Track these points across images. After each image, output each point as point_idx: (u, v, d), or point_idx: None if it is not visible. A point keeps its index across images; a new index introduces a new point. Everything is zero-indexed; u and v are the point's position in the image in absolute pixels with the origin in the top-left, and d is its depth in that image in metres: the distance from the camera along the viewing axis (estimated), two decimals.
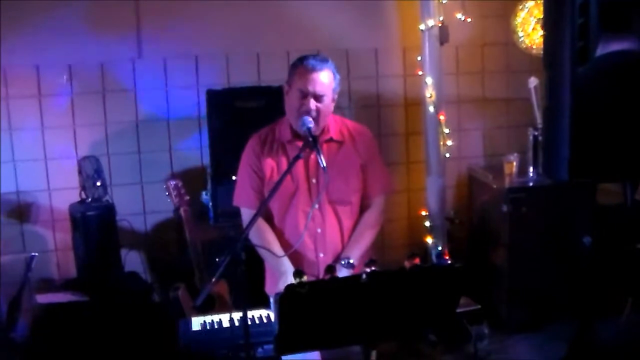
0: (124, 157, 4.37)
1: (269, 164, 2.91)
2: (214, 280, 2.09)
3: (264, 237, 2.88)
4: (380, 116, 4.66)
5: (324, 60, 2.87)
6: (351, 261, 2.80)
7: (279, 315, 1.98)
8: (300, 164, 2.80)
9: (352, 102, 4.58)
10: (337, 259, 2.87)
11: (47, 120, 4.26)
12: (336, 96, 2.95)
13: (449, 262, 2.19)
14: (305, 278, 1.93)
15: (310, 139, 2.69)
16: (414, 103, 4.61)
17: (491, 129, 4.82)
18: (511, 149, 4.47)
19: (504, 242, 4.17)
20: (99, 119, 4.32)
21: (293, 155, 2.80)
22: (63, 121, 4.28)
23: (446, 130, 4.40)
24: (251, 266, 2.99)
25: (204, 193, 4.13)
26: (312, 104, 2.79)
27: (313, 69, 2.81)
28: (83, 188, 4.04)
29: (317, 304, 1.99)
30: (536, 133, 4.11)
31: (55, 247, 4.37)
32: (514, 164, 4.27)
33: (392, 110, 4.68)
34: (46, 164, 4.29)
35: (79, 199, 4.06)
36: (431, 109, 4.37)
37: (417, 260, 2.01)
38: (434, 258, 1.95)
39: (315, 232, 2.88)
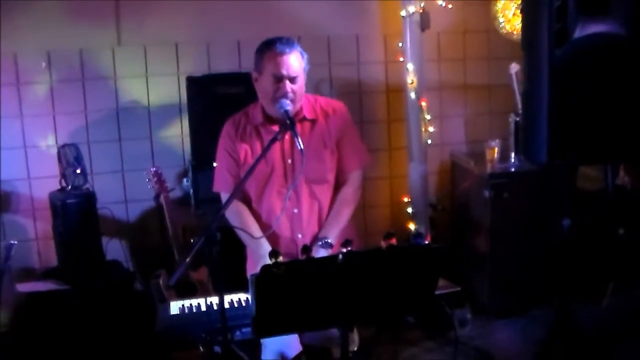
0: (104, 145, 4.34)
1: (244, 147, 2.92)
2: (188, 260, 2.08)
3: (242, 220, 2.88)
4: (362, 103, 4.65)
5: (291, 43, 2.89)
6: (329, 241, 2.81)
7: (255, 296, 1.97)
8: (275, 145, 2.79)
9: (333, 88, 4.57)
10: (315, 239, 2.86)
11: (26, 108, 4.23)
12: (305, 74, 2.95)
13: (426, 242, 2.17)
14: (281, 258, 1.93)
15: (288, 121, 2.68)
16: (396, 89, 4.60)
17: (473, 115, 4.83)
18: (493, 135, 4.47)
19: (486, 227, 4.18)
20: (79, 107, 4.29)
21: (266, 138, 2.80)
22: (42, 109, 4.25)
23: (428, 117, 4.40)
24: (231, 250, 2.98)
25: (185, 180, 4.11)
26: (288, 86, 2.80)
27: (282, 52, 2.82)
28: (63, 176, 4.01)
29: (293, 285, 1.98)
30: (517, 119, 4.12)
31: (35, 235, 4.34)
32: (496, 149, 4.27)
33: (373, 96, 4.67)
34: (26, 152, 4.26)
35: (59, 187, 4.02)
36: (412, 95, 4.37)
37: (393, 240, 2.01)
38: (411, 238, 1.95)
39: (292, 213, 2.88)
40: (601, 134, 2.97)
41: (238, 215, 2.89)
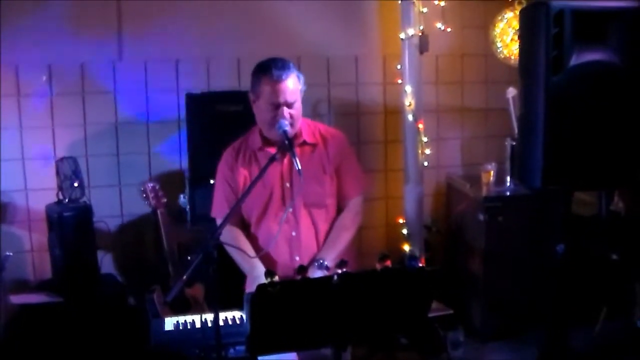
0: (102, 159, 4.35)
1: (242, 173, 2.94)
2: (185, 277, 2.09)
3: (237, 242, 2.88)
4: (360, 124, 4.68)
5: (287, 67, 2.87)
6: (326, 263, 2.81)
7: (250, 315, 1.99)
8: (274, 169, 2.81)
9: (331, 109, 4.60)
10: (312, 260, 2.87)
11: (26, 120, 4.24)
12: (302, 95, 2.96)
13: (421, 265, 2.19)
14: (276, 278, 1.94)
15: (287, 141, 2.70)
16: (394, 111, 4.64)
17: (470, 139, 4.86)
18: (489, 158, 4.50)
19: (480, 250, 4.20)
20: (78, 120, 4.30)
21: (264, 162, 2.82)
22: (42, 121, 4.25)
23: (425, 139, 4.43)
24: (226, 267, 2.99)
25: (181, 196, 4.12)
26: (286, 112, 2.81)
27: (279, 79, 2.81)
28: (60, 189, 4.02)
29: (288, 304, 2.00)
30: (514, 143, 4.14)
31: (31, 247, 4.34)
32: (492, 173, 4.31)
33: (371, 118, 4.71)
34: (24, 164, 4.26)
35: (56, 200, 4.03)
36: (410, 117, 4.40)
37: (388, 262, 2.03)
38: (407, 260, 1.96)
39: (290, 236, 2.89)
40: (596, 161, 3.01)
41: (234, 241, 2.90)
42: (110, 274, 4.26)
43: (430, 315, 2.29)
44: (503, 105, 4.34)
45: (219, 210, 3.02)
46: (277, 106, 2.82)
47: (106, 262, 4.26)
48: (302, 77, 2.95)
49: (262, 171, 2.58)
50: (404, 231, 4.53)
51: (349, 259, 2.99)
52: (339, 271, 1.99)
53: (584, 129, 3.00)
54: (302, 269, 2.01)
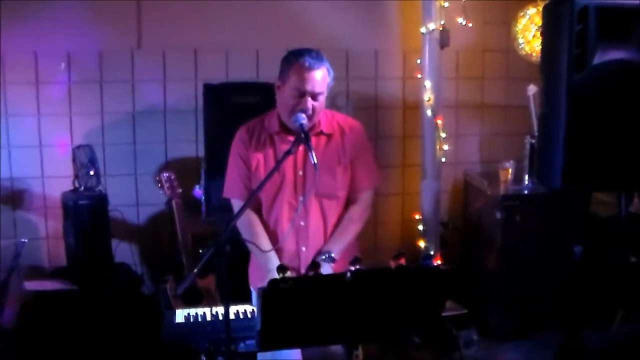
0: (119, 148, 4.35)
1: (256, 156, 2.88)
2: (195, 271, 2.08)
3: (253, 230, 2.85)
4: (378, 118, 4.65)
5: (320, 58, 2.82)
6: (332, 255, 2.78)
7: (261, 310, 1.96)
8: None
9: (349, 102, 4.57)
10: (319, 252, 2.84)
11: (44, 107, 4.25)
12: (329, 91, 2.92)
13: (436, 264, 2.15)
14: (289, 273, 1.92)
15: (303, 135, 2.66)
16: (412, 106, 4.60)
17: (489, 135, 4.82)
18: (508, 156, 4.46)
19: (497, 249, 4.16)
20: (95, 109, 4.31)
21: (281, 147, 2.78)
22: (59, 109, 4.26)
23: (443, 135, 4.39)
24: (237, 260, 2.97)
25: (197, 187, 4.11)
26: (309, 102, 2.76)
27: (310, 68, 2.76)
28: (76, 177, 4.03)
29: (300, 300, 1.97)
30: (533, 141, 4.10)
31: (46, 234, 4.35)
32: (510, 171, 4.26)
33: (390, 112, 4.67)
34: (41, 151, 4.28)
35: (72, 188, 4.04)
36: (429, 112, 4.36)
37: (402, 260, 2.00)
38: (422, 258, 1.94)
39: (299, 225, 2.85)
40: (617, 162, 2.95)
41: (249, 226, 2.86)
42: (124, 262, 4.26)
43: (444, 314, 2.25)
44: (523, 102, 4.29)
45: (232, 188, 2.97)
46: (302, 94, 2.78)
47: (121, 251, 4.27)
48: (332, 73, 2.89)
49: (278, 164, 2.53)
50: (420, 227, 4.50)
51: (354, 253, 2.97)
52: (352, 268, 1.96)
53: (606, 129, 2.94)
54: (315, 265, 1.99)
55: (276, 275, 1.99)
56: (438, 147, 4.40)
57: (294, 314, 2.00)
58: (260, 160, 2.88)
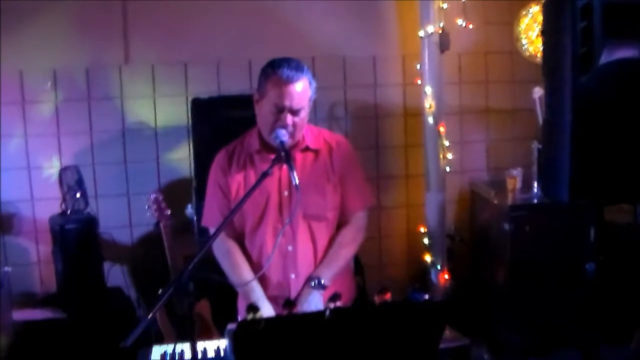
0: (109, 167, 4.20)
1: (236, 179, 2.71)
2: (150, 316, 1.89)
3: (232, 259, 2.67)
4: (378, 127, 4.46)
5: (300, 68, 2.62)
6: (322, 281, 2.58)
7: (233, 353, 1.78)
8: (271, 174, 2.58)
9: (348, 112, 4.39)
10: (308, 279, 2.64)
11: (31, 127, 4.10)
12: (311, 104, 2.73)
13: (426, 296, 1.94)
14: (260, 313, 1.73)
15: (283, 153, 2.47)
16: (414, 113, 4.40)
17: (495, 142, 4.61)
18: (516, 162, 4.27)
19: (506, 262, 3.95)
20: (84, 127, 4.15)
21: (261, 167, 2.61)
22: (47, 129, 4.12)
23: (446, 143, 4.19)
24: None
25: (189, 206, 3.94)
26: (289, 119, 2.58)
27: (288, 80, 2.57)
28: (64, 199, 3.88)
29: (275, 342, 1.78)
30: (541, 146, 3.89)
31: (38, 259, 4.20)
32: (517, 179, 4.06)
33: (390, 120, 4.47)
34: (29, 173, 4.13)
35: (59, 211, 3.89)
36: (430, 120, 4.16)
37: (387, 296, 1.80)
38: (410, 292, 1.74)
39: (286, 250, 2.65)
40: (629, 171, 2.73)
41: (227, 255, 2.68)
42: (118, 287, 4.10)
43: (442, 346, 2.06)
44: (530, 105, 4.08)
45: (210, 218, 2.79)
46: (280, 110, 2.59)
47: (114, 275, 4.11)
48: (314, 84, 2.69)
49: (254, 186, 2.32)
50: (426, 241, 4.29)
51: (347, 278, 2.77)
52: (332, 305, 1.77)
53: (616, 135, 2.71)
54: (290, 303, 1.80)
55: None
56: (442, 156, 4.21)
57: (270, 357, 1.81)
58: (241, 183, 2.70)
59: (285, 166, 2.58)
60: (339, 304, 1.80)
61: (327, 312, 1.76)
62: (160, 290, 1.87)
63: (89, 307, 3.74)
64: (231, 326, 1.74)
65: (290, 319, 1.78)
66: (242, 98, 3.93)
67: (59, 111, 4.13)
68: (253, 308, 1.74)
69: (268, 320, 1.75)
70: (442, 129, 4.17)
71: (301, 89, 2.60)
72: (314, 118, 4.20)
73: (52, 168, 4.12)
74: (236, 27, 4.20)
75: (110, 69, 4.15)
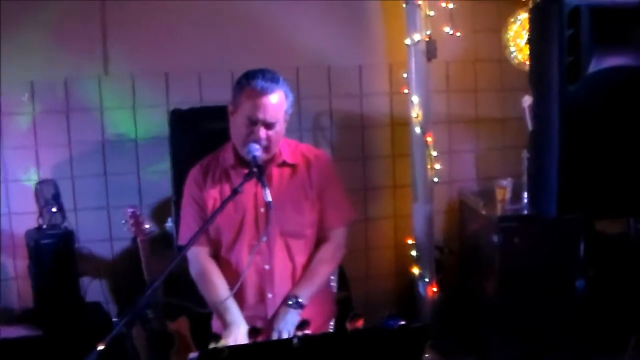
0: (89, 180, 4.09)
1: (212, 194, 2.62)
2: (101, 348, 1.78)
3: (208, 280, 2.57)
4: (364, 137, 4.36)
5: (275, 80, 2.54)
6: (300, 300, 2.48)
7: None
8: (247, 189, 2.48)
9: (333, 122, 4.29)
10: (285, 298, 2.54)
11: (7, 140, 3.99)
12: (288, 117, 2.64)
13: (401, 322, 1.84)
14: (222, 342, 1.63)
15: (255, 169, 2.37)
16: (401, 123, 4.31)
17: (484, 151, 4.52)
18: (506, 172, 4.16)
19: (495, 274, 3.86)
20: (62, 140, 4.05)
21: (236, 182, 2.52)
22: (24, 141, 4.01)
23: (434, 153, 4.10)
24: None
25: (169, 220, 3.84)
26: (263, 132, 2.49)
27: (262, 92, 2.49)
28: (40, 214, 3.78)
29: None
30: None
31: (15, 274, 4.08)
32: (507, 189, 3.96)
33: (377, 130, 4.38)
34: (7, 186, 4.02)
35: (35, 226, 3.79)
36: (417, 130, 4.07)
37: (359, 323, 1.70)
38: (385, 317, 1.65)
39: (262, 269, 2.56)
40: (620, 184, 2.64)
41: (203, 274, 2.58)
42: (97, 302, 3.99)
43: None
44: (520, 114, 3.97)
45: (187, 235, 2.69)
46: (253, 122, 2.51)
47: (93, 289, 4.01)
48: (291, 97, 2.62)
49: (223, 204, 2.21)
50: (413, 252, 4.20)
51: (326, 297, 2.66)
52: (300, 333, 1.67)
53: (606, 146, 2.63)
54: (255, 331, 1.70)
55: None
56: (429, 166, 4.11)
57: None
58: (217, 199, 2.60)
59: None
60: (308, 331, 1.70)
61: (295, 340, 1.66)
62: (114, 320, 1.76)
63: (64, 324, 3.65)
64: (193, 355, 1.64)
65: (256, 347, 1.68)
66: (223, 109, 3.81)
67: (36, 123, 4.02)
68: (215, 337, 1.65)
69: (233, 348, 1.64)
70: (429, 139, 4.08)
71: (276, 101, 2.51)
72: (298, 128, 4.12)
73: (29, 181, 4.02)
74: (219, 38, 4.11)
75: (89, 81, 4.05)
